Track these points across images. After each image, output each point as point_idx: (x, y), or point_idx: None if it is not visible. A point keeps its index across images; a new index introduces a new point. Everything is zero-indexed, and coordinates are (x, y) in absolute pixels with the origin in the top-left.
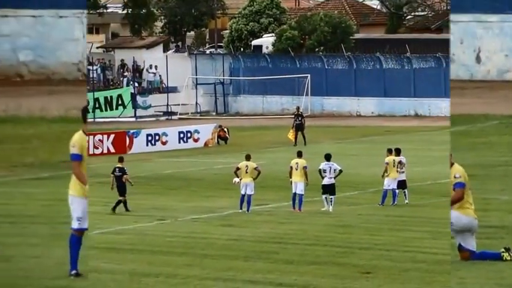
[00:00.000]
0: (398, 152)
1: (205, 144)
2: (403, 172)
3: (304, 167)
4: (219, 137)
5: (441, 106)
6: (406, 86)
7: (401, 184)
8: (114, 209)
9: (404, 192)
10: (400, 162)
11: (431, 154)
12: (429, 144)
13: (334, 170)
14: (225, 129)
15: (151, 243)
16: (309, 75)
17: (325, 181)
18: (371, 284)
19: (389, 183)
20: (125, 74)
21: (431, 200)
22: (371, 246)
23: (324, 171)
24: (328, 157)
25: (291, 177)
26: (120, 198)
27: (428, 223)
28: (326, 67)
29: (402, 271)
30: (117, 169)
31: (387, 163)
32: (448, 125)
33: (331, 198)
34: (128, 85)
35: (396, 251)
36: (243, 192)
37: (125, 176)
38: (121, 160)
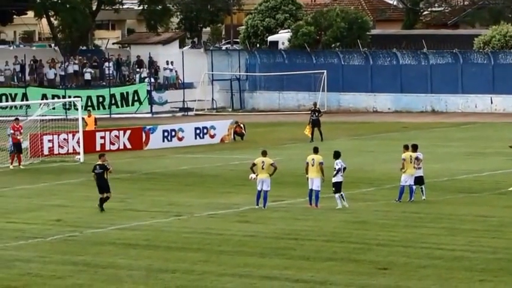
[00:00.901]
0: (415, 148)
1: (222, 140)
2: (420, 168)
3: (321, 163)
4: (235, 133)
5: (458, 102)
6: (422, 82)
7: (419, 180)
8: (101, 207)
9: (422, 188)
10: (417, 158)
11: (448, 150)
12: (446, 140)
13: (345, 168)
14: (241, 125)
15: (167, 239)
16: (325, 71)
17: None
18: (387, 281)
19: (407, 179)
20: (141, 70)
21: (448, 197)
22: (388, 243)
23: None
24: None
25: (307, 174)
26: (101, 196)
27: (445, 219)
28: (342, 63)
29: (419, 267)
30: (97, 166)
31: (404, 159)
32: (465, 121)
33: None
34: (140, 81)
35: (413, 247)
36: (259, 188)
37: (106, 171)
38: (101, 157)
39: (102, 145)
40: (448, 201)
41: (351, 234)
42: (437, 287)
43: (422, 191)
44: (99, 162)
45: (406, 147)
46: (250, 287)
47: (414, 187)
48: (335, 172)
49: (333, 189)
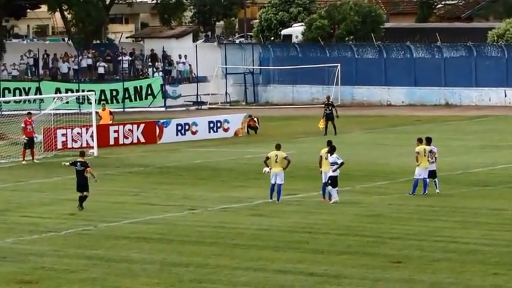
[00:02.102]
0: (429, 141)
1: (235, 134)
2: (433, 162)
3: None
4: (248, 126)
5: (472, 95)
6: (436, 75)
7: (432, 174)
8: (81, 206)
9: (435, 181)
10: (431, 152)
11: (462, 143)
12: (460, 133)
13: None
14: (255, 119)
15: (181, 233)
16: (338, 64)
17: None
18: (401, 274)
19: (420, 172)
20: (154, 64)
21: (462, 190)
22: (401, 236)
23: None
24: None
25: (320, 167)
26: (81, 194)
27: (459, 213)
28: (356, 56)
29: (433, 261)
30: (78, 163)
31: (418, 152)
32: (479, 114)
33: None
34: (154, 75)
35: (427, 240)
36: (273, 181)
37: (88, 169)
38: (82, 154)
39: (116, 139)
40: (462, 194)
41: (365, 228)
42: (451, 280)
43: (435, 184)
44: (80, 159)
45: (419, 141)
46: (264, 281)
47: (428, 180)
48: (334, 167)
49: (329, 182)
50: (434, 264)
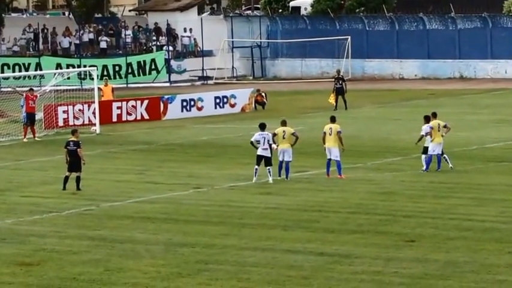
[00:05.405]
0: (434, 116)
1: (242, 110)
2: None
3: (339, 132)
4: (256, 102)
5: (487, 68)
6: (450, 48)
7: (425, 150)
8: (64, 187)
9: (445, 157)
10: (445, 126)
11: (477, 118)
12: (475, 107)
13: (268, 140)
14: (263, 94)
15: (186, 213)
16: (349, 37)
17: (260, 152)
18: (415, 253)
19: (434, 148)
20: (159, 37)
21: (477, 166)
22: (415, 214)
23: (258, 142)
24: (262, 126)
25: (324, 143)
26: (68, 174)
27: (474, 189)
28: (367, 28)
29: (447, 239)
30: (71, 143)
31: (431, 127)
32: (494, 87)
33: (269, 169)
34: (158, 49)
35: (441, 218)
36: (280, 158)
37: (78, 149)
38: (74, 133)
39: (119, 115)
40: (477, 170)
41: (376, 206)
42: (467, 259)
43: (446, 160)
44: (73, 138)
45: (433, 115)
46: (273, 261)
47: (424, 156)
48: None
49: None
50: (449, 242)
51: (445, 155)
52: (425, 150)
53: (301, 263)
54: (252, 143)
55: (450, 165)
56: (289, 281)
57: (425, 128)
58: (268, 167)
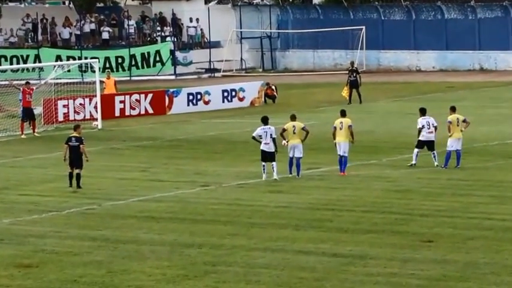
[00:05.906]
0: (453, 110)
1: (252, 104)
2: (431, 132)
3: (350, 126)
4: (266, 95)
5: (508, 59)
6: (470, 38)
7: (430, 146)
8: (70, 184)
9: (433, 153)
10: (464, 121)
11: (498, 112)
12: (495, 101)
13: (271, 134)
14: (273, 87)
15: (193, 212)
16: (363, 27)
17: (262, 147)
18: (433, 254)
19: (453, 143)
20: (163, 28)
21: (498, 162)
22: (432, 213)
23: (260, 136)
24: (265, 120)
25: (334, 139)
26: (71, 170)
27: (494, 187)
28: (382, 18)
29: (467, 239)
30: (73, 138)
31: (450, 122)
32: None
33: (273, 165)
34: (163, 40)
35: (460, 217)
36: (291, 155)
37: (81, 146)
38: (77, 128)
39: (122, 110)
40: (498, 167)
41: (392, 204)
42: (487, 260)
43: (434, 157)
44: (75, 134)
45: (452, 109)
46: (284, 263)
47: (435, 153)
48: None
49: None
50: (468, 243)
51: (434, 152)
52: (419, 144)
53: (313, 265)
54: (254, 137)
55: (436, 163)
56: (300, 283)
57: (421, 120)
58: (272, 163)
